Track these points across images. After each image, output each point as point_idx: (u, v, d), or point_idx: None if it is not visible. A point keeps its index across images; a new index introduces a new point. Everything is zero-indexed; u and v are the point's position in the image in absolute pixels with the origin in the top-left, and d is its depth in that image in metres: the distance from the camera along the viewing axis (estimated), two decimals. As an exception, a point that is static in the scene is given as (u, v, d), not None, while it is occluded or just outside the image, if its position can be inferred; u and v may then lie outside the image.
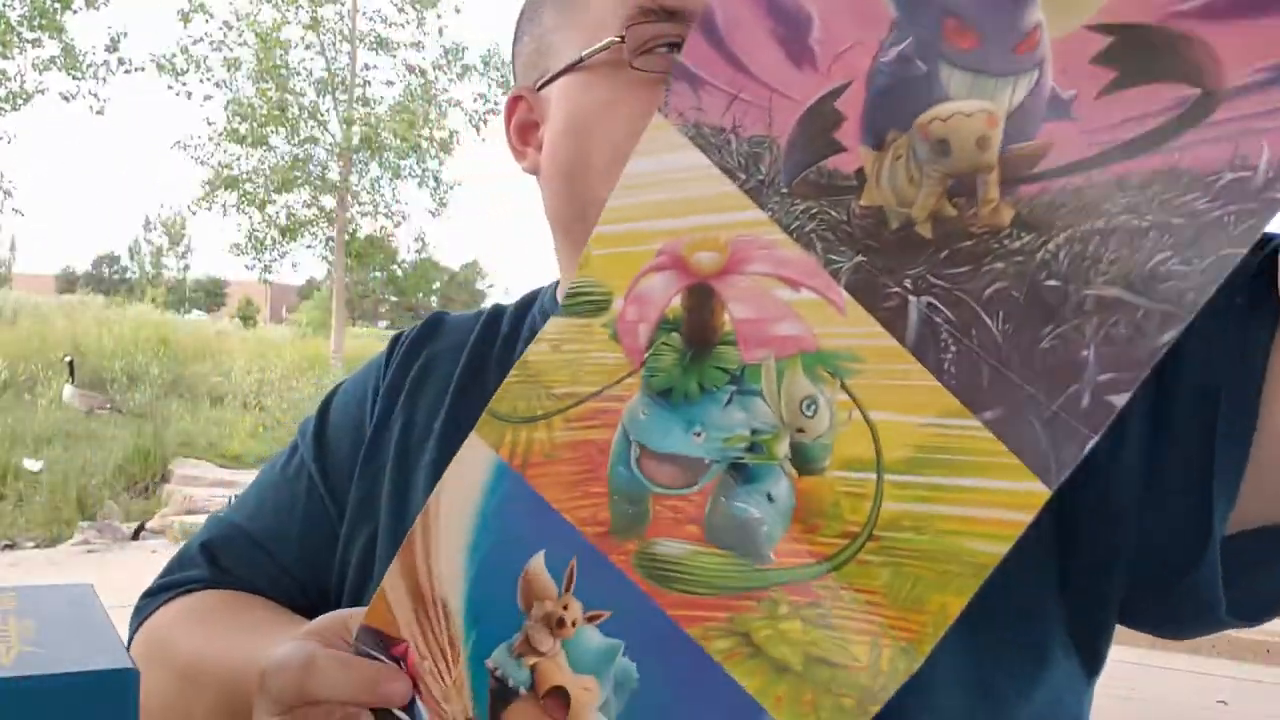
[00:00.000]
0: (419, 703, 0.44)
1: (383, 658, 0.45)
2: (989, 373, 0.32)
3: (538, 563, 0.40)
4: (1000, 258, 0.32)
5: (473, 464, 0.42)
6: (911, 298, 0.33)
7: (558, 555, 0.40)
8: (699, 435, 0.38)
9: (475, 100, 15.11)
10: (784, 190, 0.35)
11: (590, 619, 0.39)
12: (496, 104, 15.11)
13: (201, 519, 6.74)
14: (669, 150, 0.38)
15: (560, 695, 0.40)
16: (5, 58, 11.37)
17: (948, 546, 0.33)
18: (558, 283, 0.72)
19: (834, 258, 0.35)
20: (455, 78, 14.99)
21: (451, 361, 0.70)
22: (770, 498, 0.36)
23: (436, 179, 15.12)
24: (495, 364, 0.69)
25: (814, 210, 0.35)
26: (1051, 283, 0.31)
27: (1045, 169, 0.31)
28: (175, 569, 0.73)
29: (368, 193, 14.91)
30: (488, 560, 0.42)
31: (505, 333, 0.71)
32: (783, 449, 0.36)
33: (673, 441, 0.38)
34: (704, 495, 0.37)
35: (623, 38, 0.59)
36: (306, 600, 0.68)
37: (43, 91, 11.92)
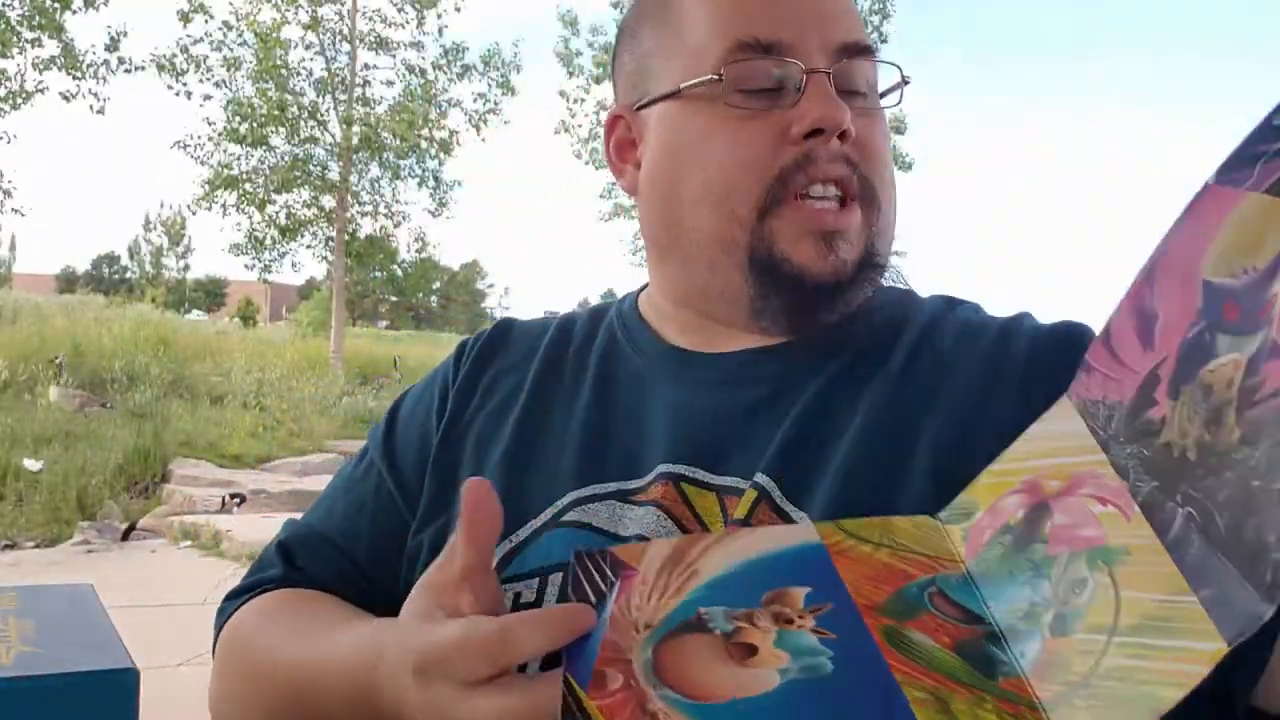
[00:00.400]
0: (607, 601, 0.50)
1: (599, 575, 0.51)
2: (1215, 562, 0.41)
3: (798, 590, 0.50)
4: (1231, 468, 0.42)
5: (788, 530, 0.56)
6: (1179, 509, 0.44)
7: (820, 597, 0.49)
8: (989, 605, 0.49)
9: (475, 100, 15.12)
10: (1120, 439, 0.48)
11: (815, 632, 0.48)
12: (496, 104, 15.12)
13: (201, 519, 6.71)
14: (1063, 420, 0.52)
15: (748, 649, 0.47)
16: (5, 57, 11.37)
17: (1140, 692, 0.41)
18: (635, 291, 0.77)
19: (1139, 483, 0.46)
20: (455, 77, 14.99)
21: (523, 366, 0.74)
22: (1023, 654, 0.47)
23: (436, 179, 15.13)
24: (570, 369, 0.73)
25: (1134, 450, 0.47)
26: (1256, 482, 0.40)
27: (1262, 395, 0.41)
28: (254, 571, 0.76)
29: (368, 192, 14.92)
30: (754, 568, 0.51)
31: (580, 338, 0.75)
32: (1048, 618, 0.47)
33: (965, 597, 0.50)
34: (968, 632, 0.48)
35: (720, 75, 0.64)
36: (374, 591, 0.70)
37: (43, 91, 11.92)
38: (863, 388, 0.65)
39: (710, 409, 0.66)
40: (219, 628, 0.74)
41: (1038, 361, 0.63)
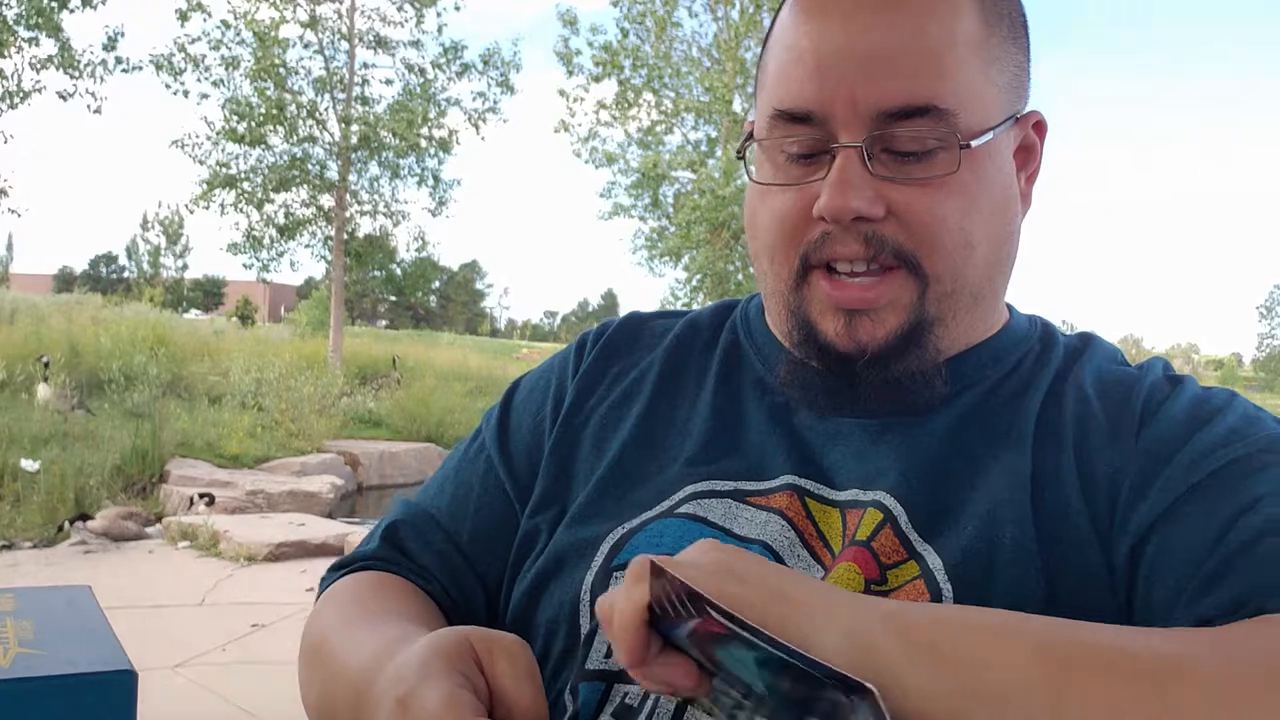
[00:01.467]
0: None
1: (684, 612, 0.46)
2: None
3: None
4: None
5: None
6: None
7: None
8: None
9: (475, 99, 15.11)
10: None
11: None
12: (496, 103, 15.12)
13: (202, 519, 6.69)
14: None
15: None
16: (2, 56, 11.35)
17: None
18: (758, 294, 0.77)
19: None
20: (454, 76, 14.98)
21: (649, 360, 0.76)
22: None
23: (436, 178, 15.11)
24: (695, 366, 0.75)
25: None
26: None
27: None
28: (362, 544, 0.78)
29: (367, 192, 14.90)
30: None
31: (706, 337, 0.77)
32: None
33: None
34: None
35: (748, 139, 0.67)
36: (473, 574, 0.72)
37: (40, 90, 11.89)
38: (999, 432, 0.64)
39: (836, 429, 0.67)
40: (318, 599, 0.77)
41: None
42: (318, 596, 0.76)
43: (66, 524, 6.08)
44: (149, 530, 6.36)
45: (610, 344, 0.78)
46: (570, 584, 0.65)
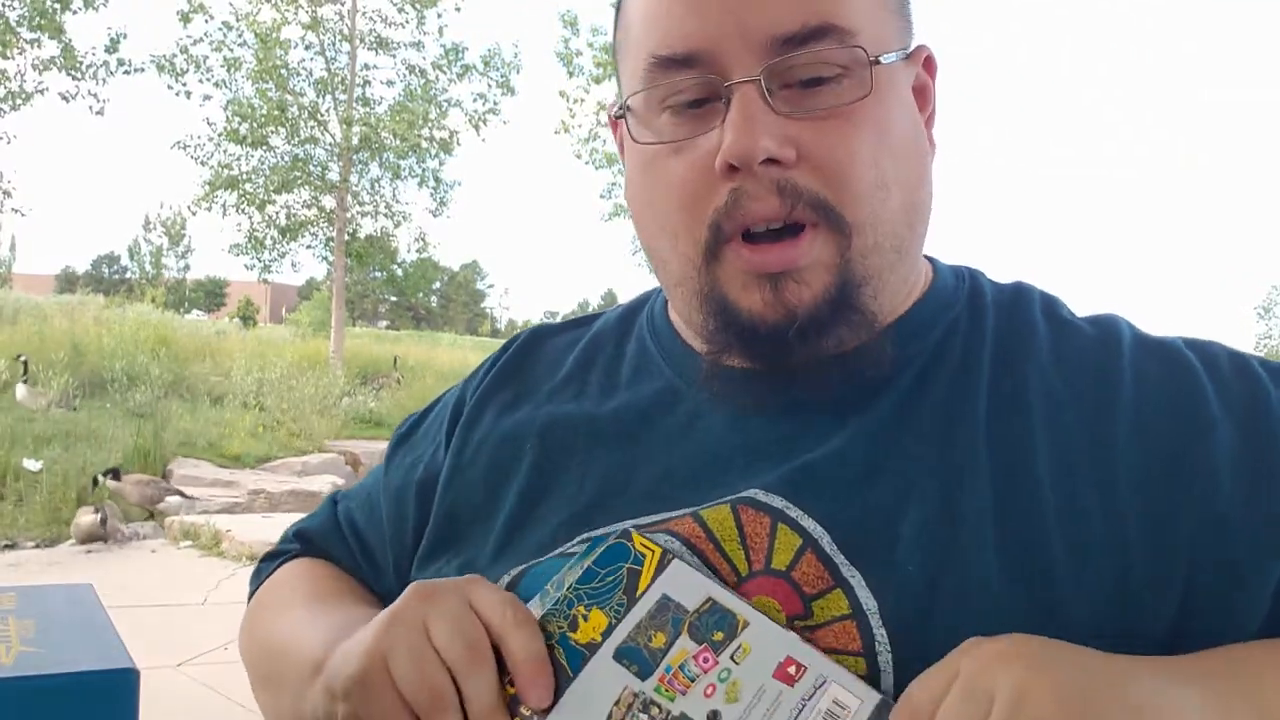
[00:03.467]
0: None
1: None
2: None
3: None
4: None
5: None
6: None
7: None
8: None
9: (475, 100, 15.10)
10: None
11: None
12: (496, 104, 15.12)
13: (200, 519, 6.67)
14: None
15: None
16: (5, 58, 11.36)
17: None
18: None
19: None
20: (455, 77, 14.98)
21: (546, 383, 0.69)
22: None
23: (436, 179, 15.11)
24: (596, 385, 0.67)
25: None
26: None
27: None
28: (282, 541, 0.81)
29: (368, 193, 14.90)
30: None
31: (610, 352, 0.69)
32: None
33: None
34: None
35: (641, 92, 0.57)
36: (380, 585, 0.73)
37: (42, 92, 11.91)
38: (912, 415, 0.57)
39: (753, 429, 0.59)
40: (253, 590, 0.79)
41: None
42: (252, 590, 0.78)
43: (100, 476, 6.39)
44: (164, 502, 6.49)
45: (505, 368, 0.71)
46: None
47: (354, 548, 0.74)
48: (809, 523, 0.54)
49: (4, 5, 11.08)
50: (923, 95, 0.61)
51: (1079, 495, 0.52)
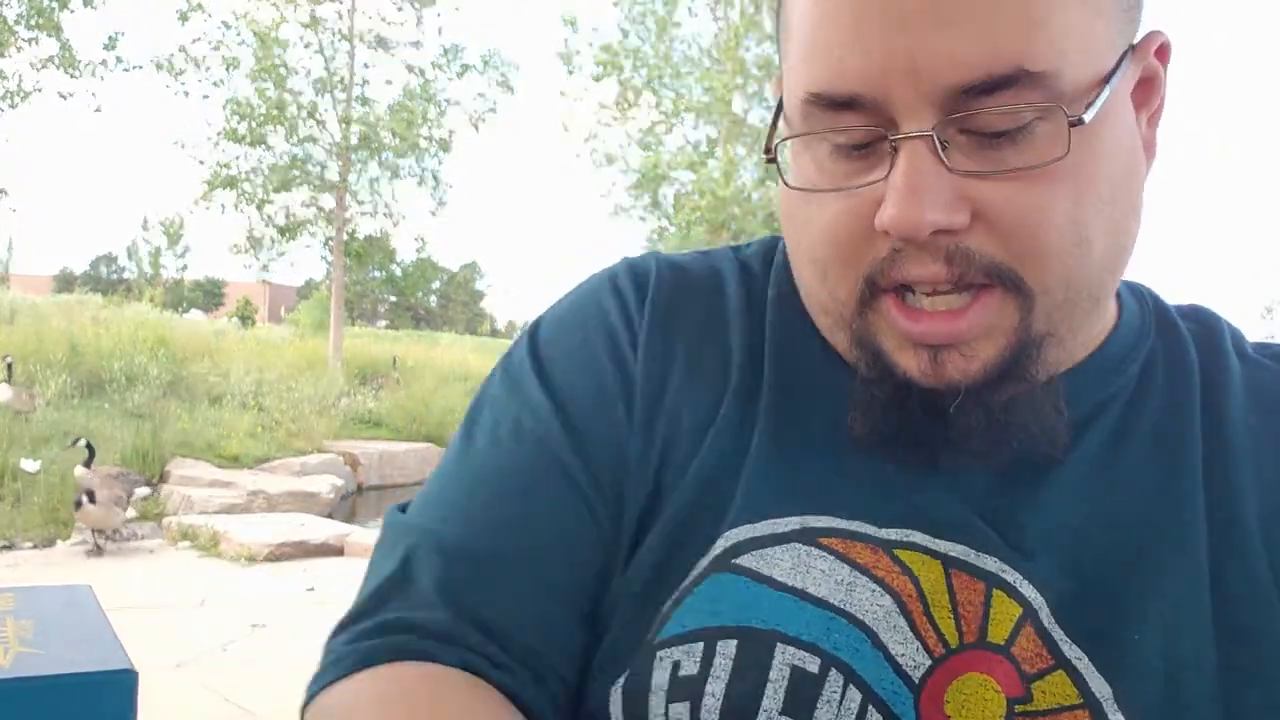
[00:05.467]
0: None
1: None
2: None
3: None
4: None
5: None
6: None
7: None
8: None
9: (475, 100, 15.11)
10: None
11: None
12: (496, 104, 15.12)
13: (198, 520, 6.66)
14: None
15: None
16: (2, 56, 11.35)
17: None
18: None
19: None
20: (454, 77, 14.98)
21: (719, 331, 0.56)
22: None
23: (436, 179, 15.11)
24: (757, 350, 0.56)
25: None
26: None
27: None
28: (394, 603, 0.51)
29: (367, 192, 14.90)
30: None
31: (752, 308, 0.58)
32: None
33: None
34: None
35: (775, 122, 0.50)
36: (577, 634, 0.52)
37: (40, 90, 11.90)
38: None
39: (929, 476, 0.50)
40: (323, 681, 0.49)
41: None
42: (322, 678, 0.49)
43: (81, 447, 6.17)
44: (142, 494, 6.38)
45: (666, 306, 0.57)
46: (611, 668, 0.50)
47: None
48: (1027, 588, 0.47)
49: (2, 3, 11.07)
50: (1149, 88, 0.50)
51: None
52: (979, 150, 0.45)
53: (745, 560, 0.49)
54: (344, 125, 14.22)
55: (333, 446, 9.68)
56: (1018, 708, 0.45)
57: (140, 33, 13.71)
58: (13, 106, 11.67)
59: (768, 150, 0.51)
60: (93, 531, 5.93)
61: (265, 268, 15.00)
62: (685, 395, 0.54)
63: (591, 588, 0.51)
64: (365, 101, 14.77)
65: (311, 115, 14.12)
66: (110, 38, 12.08)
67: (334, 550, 6.20)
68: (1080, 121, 0.44)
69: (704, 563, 0.50)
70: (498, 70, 14.97)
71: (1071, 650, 0.45)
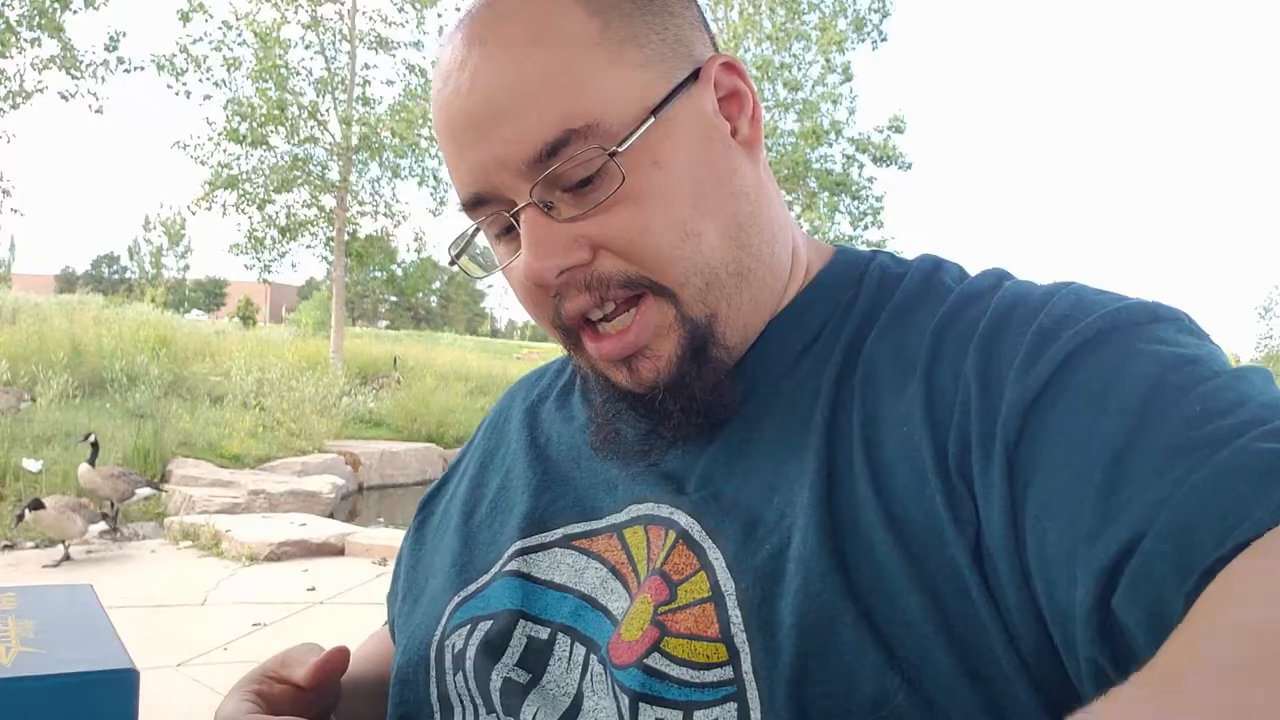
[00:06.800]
0: None
1: None
2: None
3: None
4: None
5: None
6: None
7: None
8: None
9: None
10: None
11: None
12: (496, 104, 15.08)
13: (200, 519, 6.65)
14: None
15: None
16: (4, 57, 11.36)
17: None
18: None
19: None
20: (455, 77, 14.95)
21: (506, 416, 0.79)
22: None
23: (436, 178, 15.11)
24: (550, 406, 0.75)
25: None
26: None
27: None
28: None
29: (367, 192, 14.90)
30: None
31: (561, 373, 0.78)
32: None
33: None
34: None
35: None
36: None
37: (42, 91, 11.91)
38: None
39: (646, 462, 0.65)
40: None
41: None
42: None
43: (26, 510, 5.48)
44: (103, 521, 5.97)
45: (492, 423, 0.80)
46: (415, 653, 0.67)
47: None
48: (681, 516, 0.58)
49: (3, 4, 11.08)
50: (734, 100, 0.62)
51: (879, 473, 0.53)
52: (577, 200, 0.57)
53: (516, 564, 0.64)
54: (345, 125, 14.22)
55: (333, 446, 9.69)
56: (661, 609, 0.55)
57: (142, 33, 13.71)
58: (15, 107, 11.69)
59: (452, 259, 0.67)
60: (63, 543, 5.69)
61: (266, 268, 15.00)
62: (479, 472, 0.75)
63: None
64: (366, 102, 14.77)
65: (313, 115, 14.12)
66: (112, 38, 12.09)
67: (335, 550, 6.21)
68: (615, 152, 0.55)
69: (496, 569, 0.65)
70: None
71: (713, 554, 0.55)
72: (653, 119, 0.57)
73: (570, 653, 0.59)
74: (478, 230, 0.63)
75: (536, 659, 0.60)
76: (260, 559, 5.95)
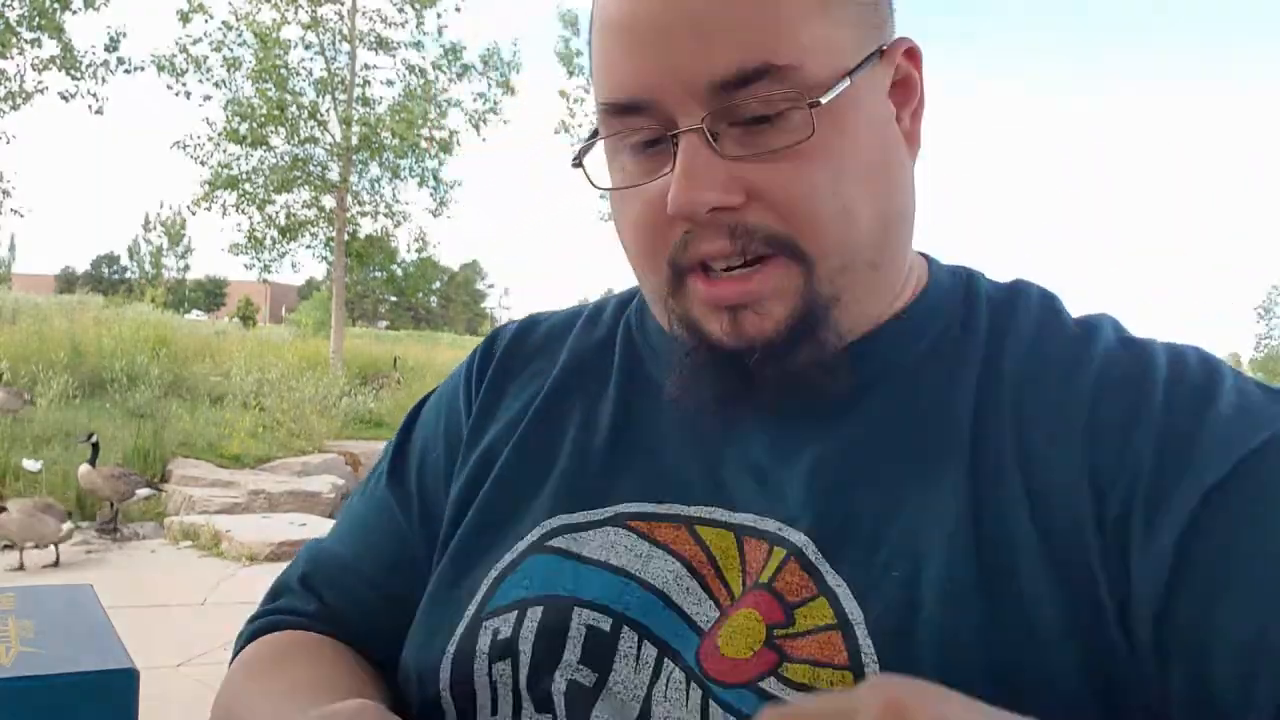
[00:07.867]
0: None
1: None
2: None
3: None
4: None
5: None
6: None
7: None
8: None
9: (475, 100, 15.10)
10: None
11: None
12: (496, 104, 15.11)
13: (199, 519, 6.65)
14: None
15: None
16: (4, 57, 11.37)
17: None
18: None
19: None
20: (455, 77, 14.98)
21: (546, 370, 0.69)
22: None
23: (436, 179, 15.11)
24: (592, 370, 0.68)
25: None
26: None
27: None
28: (274, 596, 0.73)
29: (368, 192, 14.90)
30: None
31: (602, 336, 0.70)
32: None
33: None
34: None
35: (591, 138, 0.59)
36: (397, 616, 0.65)
37: (42, 91, 11.92)
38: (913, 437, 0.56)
39: (734, 438, 0.60)
40: (235, 653, 0.72)
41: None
42: (235, 650, 0.72)
43: None
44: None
45: (507, 355, 0.71)
46: (440, 638, 0.60)
47: None
48: (794, 534, 0.55)
49: (3, 4, 11.08)
50: (905, 88, 0.59)
51: (1038, 507, 0.52)
52: (747, 138, 0.53)
53: (558, 542, 0.59)
54: (345, 126, 14.22)
55: (333, 446, 9.69)
56: (777, 632, 0.52)
57: (142, 34, 13.69)
58: (15, 108, 11.69)
59: (576, 159, 0.60)
60: (32, 545, 5.55)
61: (266, 268, 15.00)
62: (503, 428, 0.67)
63: (399, 581, 0.67)
64: (366, 102, 14.77)
65: (312, 116, 14.12)
66: (112, 39, 12.10)
67: (335, 550, 6.20)
68: (817, 103, 0.52)
69: (521, 546, 0.60)
70: (498, 70, 14.97)
71: (834, 580, 0.52)
72: (849, 81, 0.53)
73: (639, 651, 0.54)
74: (595, 138, 0.59)
75: (599, 655, 0.55)
76: (260, 559, 5.95)
